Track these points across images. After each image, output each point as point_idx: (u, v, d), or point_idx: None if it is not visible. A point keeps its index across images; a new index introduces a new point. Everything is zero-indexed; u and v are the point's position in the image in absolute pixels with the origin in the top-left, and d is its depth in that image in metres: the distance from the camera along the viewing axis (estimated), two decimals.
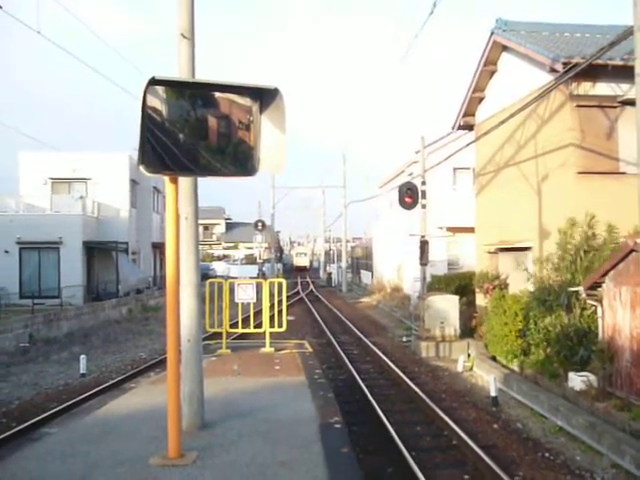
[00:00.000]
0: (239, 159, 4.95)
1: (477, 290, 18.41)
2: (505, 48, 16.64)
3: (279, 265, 65.05)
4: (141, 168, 4.44)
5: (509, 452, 8.82)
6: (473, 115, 19.05)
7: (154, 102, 4.43)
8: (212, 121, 4.86)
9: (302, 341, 14.63)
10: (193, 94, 4.81)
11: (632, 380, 9.26)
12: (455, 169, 27.04)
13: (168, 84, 4.60)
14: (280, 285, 13.23)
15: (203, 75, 6.35)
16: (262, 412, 7.03)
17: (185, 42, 6.38)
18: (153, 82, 4.34)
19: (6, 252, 27.06)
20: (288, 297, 15.29)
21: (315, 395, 8.12)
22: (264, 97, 4.81)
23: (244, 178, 5.09)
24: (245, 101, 4.86)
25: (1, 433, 9.49)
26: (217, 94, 4.84)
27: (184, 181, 6.18)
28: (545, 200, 14.47)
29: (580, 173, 13.36)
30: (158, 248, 38.43)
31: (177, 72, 6.39)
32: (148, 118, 4.37)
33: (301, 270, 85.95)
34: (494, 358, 14.36)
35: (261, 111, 4.84)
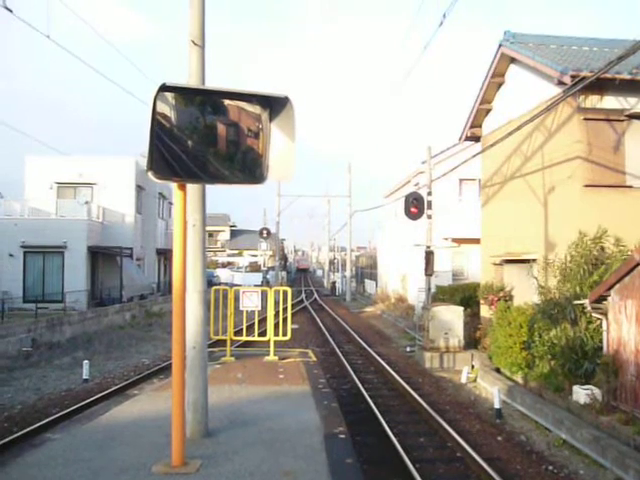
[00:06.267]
0: (248, 167, 4.93)
1: (482, 301, 18.35)
2: (513, 60, 16.67)
3: (283, 273, 64.93)
4: (150, 174, 4.42)
5: (513, 465, 8.78)
6: (480, 127, 19.06)
7: (164, 108, 4.42)
8: (221, 128, 4.84)
9: (306, 350, 14.58)
10: (203, 101, 4.79)
11: (637, 394, 9.21)
12: (461, 180, 27.05)
13: (178, 91, 4.59)
14: (285, 293, 13.18)
15: (213, 82, 6.37)
16: (266, 421, 6.99)
17: (196, 49, 6.40)
18: (163, 88, 4.34)
19: (10, 256, 27.10)
20: (292, 305, 15.23)
21: (319, 404, 8.09)
22: (274, 105, 4.79)
23: (252, 186, 5.08)
24: (255, 109, 4.84)
25: (3, 438, 9.48)
26: (227, 101, 4.82)
27: (192, 188, 6.17)
28: (551, 212, 14.44)
29: (587, 186, 13.32)
30: (162, 254, 38.45)
31: (187, 79, 6.41)
32: (157, 124, 4.36)
33: (302, 270, 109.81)
34: (498, 370, 14.31)
35: (271, 119, 4.82)
